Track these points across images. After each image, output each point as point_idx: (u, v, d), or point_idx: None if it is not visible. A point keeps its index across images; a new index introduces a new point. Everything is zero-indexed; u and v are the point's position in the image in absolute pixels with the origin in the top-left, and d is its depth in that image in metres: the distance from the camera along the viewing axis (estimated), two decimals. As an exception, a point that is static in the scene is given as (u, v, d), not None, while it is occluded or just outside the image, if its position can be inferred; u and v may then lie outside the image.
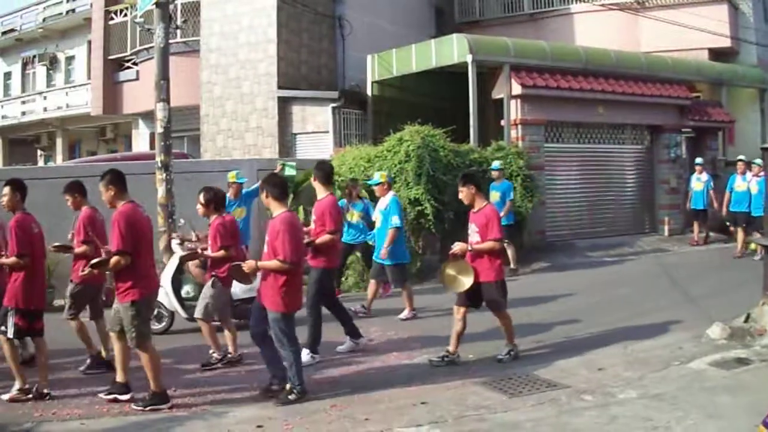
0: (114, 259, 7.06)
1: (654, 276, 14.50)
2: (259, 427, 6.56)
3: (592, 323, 10.53)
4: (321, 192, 9.16)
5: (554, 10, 24.97)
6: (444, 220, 14.95)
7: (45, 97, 32.84)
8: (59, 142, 33.08)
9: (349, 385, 7.93)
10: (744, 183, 16.83)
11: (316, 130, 20.72)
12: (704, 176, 18.10)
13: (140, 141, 28.24)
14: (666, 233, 19.76)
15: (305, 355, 8.52)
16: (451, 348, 8.66)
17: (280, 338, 7.39)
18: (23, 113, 33.64)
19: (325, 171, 9.22)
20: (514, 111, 17.57)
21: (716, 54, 23.18)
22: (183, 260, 10.08)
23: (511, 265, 14.84)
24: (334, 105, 20.28)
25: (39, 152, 35.70)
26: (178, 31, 20.57)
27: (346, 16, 22.57)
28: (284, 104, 21.11)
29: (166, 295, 10.34)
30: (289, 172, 15.08)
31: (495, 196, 14.57)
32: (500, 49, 17.92)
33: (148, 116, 24.49)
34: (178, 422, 6.77)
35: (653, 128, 20.37)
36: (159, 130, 12.96)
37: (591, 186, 19.33)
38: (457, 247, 8.58)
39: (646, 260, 16.99)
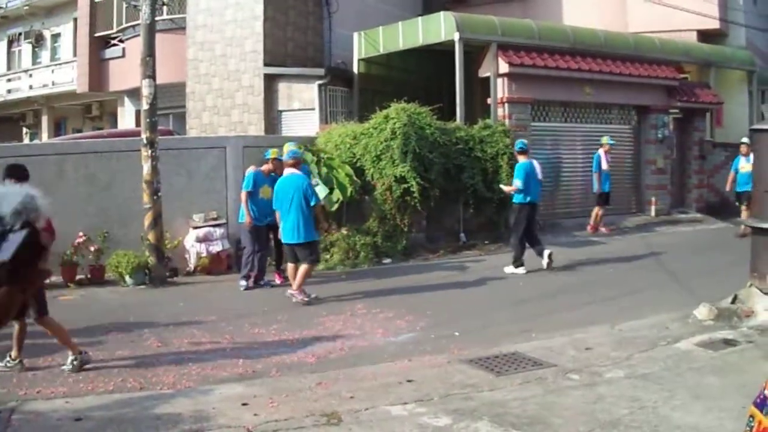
0: None
1: (641, 256, 14.53)
2: (244, 404, 6.49)
3: (579, 302, 10.55)
4: None
5: (542, -10, 24.79)
6: (430, 198, 15.03)
7: (30, 75, 32.53)
8: (45, 119, 32.75)
9: (334, 362, 7.89)
10: (748, 164, 16.71)
11: (302, 108, 20.57)
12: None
13: (126, 118, 27.95)
14: (653, 213, 19.81)
15: None
16: (12, 353, 7.79)
17: None
18: (8, 91, 33.35)
19: None
20: (501, 89, 17.53)
21: (705, 36, 23.13)
22: None
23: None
24: (321, 82, 20.13)
25: (24, 130, 35.36)
26: (165, 8, 20.34)
27: (333, -7, 22.36)
28: (270, 81, 20.94)
29: None
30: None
31: None
32: (487, 27, 17.81)
33: (134, 93, 24.27)
34: (164, 399, 6.68)
35: (640, 109, 20.41)
36: (145, 106, 12.86)
37: (577, 165, 19.33)
38: None
39: (633, 240, 17.01)
